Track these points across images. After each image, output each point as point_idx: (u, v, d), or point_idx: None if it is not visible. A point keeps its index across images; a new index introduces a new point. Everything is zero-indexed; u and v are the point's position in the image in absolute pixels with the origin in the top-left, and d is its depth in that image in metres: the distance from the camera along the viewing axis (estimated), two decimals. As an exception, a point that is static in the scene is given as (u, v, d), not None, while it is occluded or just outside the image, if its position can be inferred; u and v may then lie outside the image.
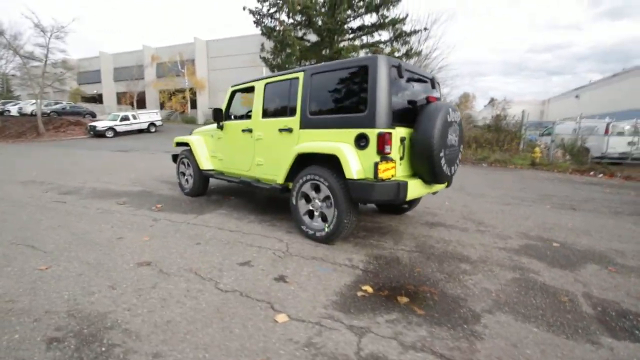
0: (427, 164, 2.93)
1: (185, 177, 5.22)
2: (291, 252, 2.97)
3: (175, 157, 5.48)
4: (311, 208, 3.29)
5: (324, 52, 15.98)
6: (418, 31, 15.65)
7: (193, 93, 32.03)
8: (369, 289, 2.35)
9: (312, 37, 16.88)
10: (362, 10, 15.71)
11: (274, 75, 3.74)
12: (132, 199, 4.91)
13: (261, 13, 16.42)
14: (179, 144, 5.41)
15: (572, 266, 2.86)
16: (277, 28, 16.38)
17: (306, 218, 3.32)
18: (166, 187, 5.89)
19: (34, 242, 3.05)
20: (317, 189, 3.20)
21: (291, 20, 15.68)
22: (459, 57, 60.24)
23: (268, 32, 16.17)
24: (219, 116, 4.33)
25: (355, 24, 16.20)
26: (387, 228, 3.76)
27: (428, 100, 3.17)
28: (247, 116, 4.56)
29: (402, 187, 2.78)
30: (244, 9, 16.07)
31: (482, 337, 1.85)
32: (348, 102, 3.00)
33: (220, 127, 4.42)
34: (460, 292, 2.35)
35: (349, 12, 15.47)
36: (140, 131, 21.97)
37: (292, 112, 3.46)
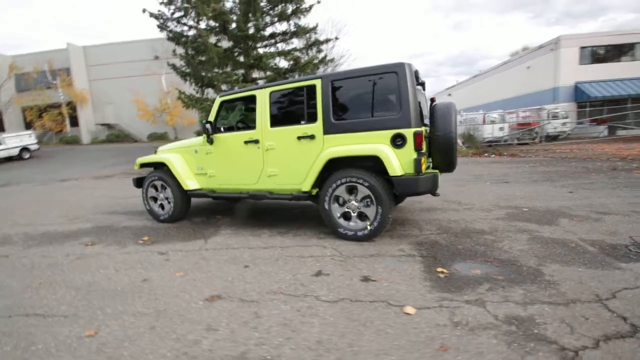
0: (447, 156, 3.36)
1: (159, 202, 4.57)
2: (346, 254, 3.01)
3: (139, 181, 4.73)
4: (346, 210, 3.38)
5: (242, 59, 15.60)
6: (330, 40, 16.68)
7: (72, 108, 26.93)
8: (444, 270, 2.61)
9: (224, 43, 16.29)
10: (276, 18, 15.92)
11: (280, 84, 3.66)
12: (98, 237, 4.06)
13: (164, 17, 15.03)
14: (144, 166, 4.70)
15: (553, 222, 3.70)
16: (185, 33, 15.27)
17: (342, 221, 3.39)
18: (124, 218, 5.02)
19: (36, 309, 2.32)
20: (351, 190, 3.31)
21: (203, 25, 14.80)
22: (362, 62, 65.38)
23: (177, 38, 14.90)
24: (210, 129, 3.97)
25: (270, 30, 16.28)
26: (399, 219, 4.10)
27: (432, 101, 3.63)
28: (240, 127, 4.32)
29: (436, 178, 3.14)
30: (143, 11, 14.46)
31: (558, 283, 2.31)
32: (378, 105, 3.21)
33: (210, 141, 4.05)
34: (508, 256, 2.82)
35: (264, 19, 15.46)
36: (8, 159, 17.43)
37: (311, 119, 3.47)
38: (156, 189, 4.57)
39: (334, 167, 3.37)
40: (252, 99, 3.87)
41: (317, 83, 3.42)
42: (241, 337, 1.85)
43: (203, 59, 14.66)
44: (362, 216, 3.33)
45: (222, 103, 4.07)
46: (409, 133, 3.04)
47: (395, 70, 3.10)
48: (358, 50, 48.30)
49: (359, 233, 3.28)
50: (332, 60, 17.31)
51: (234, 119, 4.37)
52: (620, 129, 18.30)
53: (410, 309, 2.06)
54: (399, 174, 3.05)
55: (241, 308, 2.17)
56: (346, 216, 3.40)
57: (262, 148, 3.73)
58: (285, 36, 16.56)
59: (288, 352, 1.71)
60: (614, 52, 21.06)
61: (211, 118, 4.07)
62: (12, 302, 2.44)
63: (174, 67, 15.61)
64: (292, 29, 16.30)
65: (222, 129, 4.21)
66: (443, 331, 1.83)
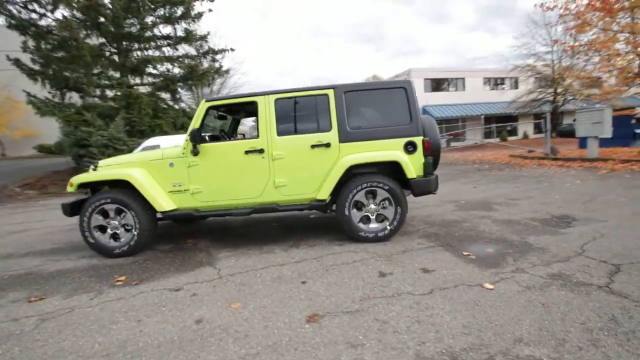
0: (436, 159, 3.97)
1: (111, 232, 3.56)
2: (383, 254, 3.18)
3: (75, 207, 3.56)
4: (365, 214, 3.54)
5: (122, 62, 13.28)
6: (225, 50, 16.12)
7: None
8: (469, 254, 3.13)
9: (94, 40, 13.53)
10: (161, 20, 14.32)
11: (286, 91, 3.53)
12: (55, 286, 2.87)
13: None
14: (84, 186, 3.58)
15: (492, 209, 4.82)
16: (35, 22, 11.93)
17: (361, 224, 3.52)
18: (61, 257, 3.65)
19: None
20: (370, 194, 3.50)
21: (65, 14, 11.85)
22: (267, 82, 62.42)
23: (23, 27, 11.46)
24: (197, 138, 3.43)
25: (155, 32, 14.47)
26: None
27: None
28: (224, 135, 3.87)
29: (437, 178, 3.69)
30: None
31: (547, 249, 3.13)
32: (390, 116, 3.53)
33: (195, 152, 3.48)
34: (496, 236, 3.58)
35: (146, 18, 13.64)
36: None
37: (324, 127, 3.50)
38: (106, 216, 3.55)
39: (345, 174, 3.49)
40: (250, 106, 3.57)
41: (330, 93, 3.50)
42: (393, 343, 1.81)
43: (64, 55, 11.73)
44: (379, 218, 3.56)
45: (209, 109, 3.59)
46: (419, 140, 3.49)
47: (404, 87, 3.53)
48: (243, 65, 47.95)
49: (380, 234, 3.50)
50: (227, 71, 16.72)
51: (224, 126, 3.88)
52: (453, 141, 24.44)
53: (488, 285, 2.44)
54: (415, 176, 3.45)
55: (357, 319, 2.07)
56: (364, 220, 3.56)
57: (269, 158, 3.49)
58: (172, 40, 15.09)
59: (453, 341, 1.80)
60: (445, 84, 28.14)
61: (195, 125, 3.52)
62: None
63: (17, 62, 11.91)
64: (182, 33, 15.02)
65: (206, 137, 3.69)
66: (529, 295, 2.28)
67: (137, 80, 15.26)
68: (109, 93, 14.20)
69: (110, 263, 3.43)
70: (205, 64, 15.57)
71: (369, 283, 2.58)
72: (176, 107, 15.05)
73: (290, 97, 3.54)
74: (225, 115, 4.37)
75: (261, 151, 3.48)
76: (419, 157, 3.50)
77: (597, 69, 12.12)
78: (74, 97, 13.81)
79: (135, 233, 3.52)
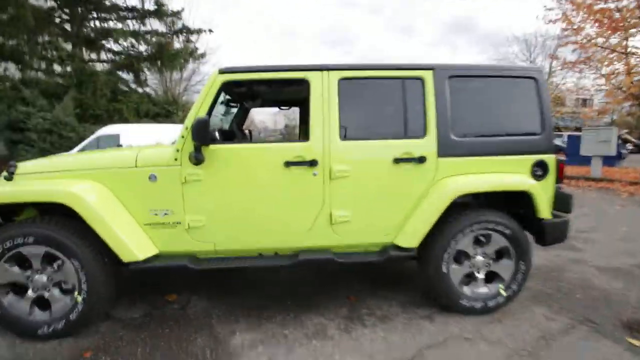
0: None
1: (33, 295, 1.97)
2: (516, 345, 1.93)
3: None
4: (468, 270, 2.27)
5: (75, 31, 10.96)
6: (203, 31, 14.14)
7: None
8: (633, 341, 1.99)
9: (42, 2, 11.07)
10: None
11: (358, 67, 2.16)
12: None
13: None
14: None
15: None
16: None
17: (464, 287, 2.26)
18: None
19: None
20: (479, 241, 2.25)
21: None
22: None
23: None
24: (204, 134, 1.93)
25: (118, 1, 12.22)
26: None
27: None
28: (231, 133, 2.43)
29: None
30: None
31: None
32: (513, 120, 2.30)
33: (199, 159, 2.00)
34: None
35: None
36: None
37: (415, 131, 2.17)
38: (25, 265, 1.96)
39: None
40: (293, 87, 2.17)
41: (427, 76, 2.18)
42: None
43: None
44: (488, 277, 2.31)
45: (226, 86, 2.11)
46: (551, 160, 2.29)
47: (534, 76, 2.31)
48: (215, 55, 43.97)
49: (490, 303, 2.25)
50: (203, 55, 14.73)
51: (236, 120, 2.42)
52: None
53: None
54: (548, 216, 2.25)
55: None
56: (467, 279, 2.29)
57: (325, 175, 2.10)
58: (139, 13, 12.88)
59: None
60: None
61: (201, 110, 2.03)
62: None
63: None
64: (151, 7, 12.88)
65: (217, 136, 2.22)
66: None
67: (94, 56, 12.90)
68: (58, 68, 11.72)
69: (30, 354, 1.85)
70: (177, 44, 13.55)
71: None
72: (140, 90, 12.89)
73: (364, 78, 2.18)
74: (237, 100, 2.90)
75: (313, 164, 2.08)
76: (549, 184, 2.31)
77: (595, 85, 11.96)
78: (10, 69, 11.20)
79: (80, 298, 1.96)
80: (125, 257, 1.94)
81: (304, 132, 3.19)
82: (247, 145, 2.21)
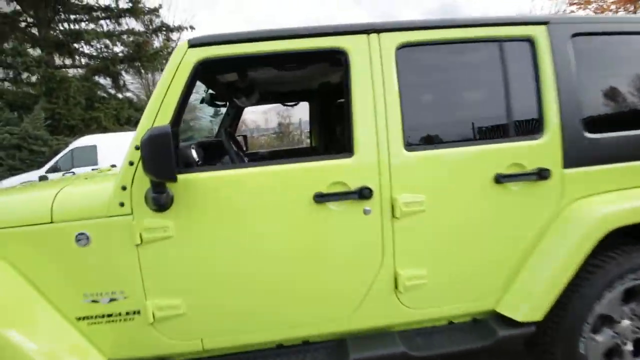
0: None
1: None
2: None
3: None
4: (613, 341, 1.42)
5: (42, 35, 9.91)
6: (184, 28, 13.10)
7: None
8: None
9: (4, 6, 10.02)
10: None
11: (427, 26, 1.28)
12: None
13: None
14: None
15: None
16: None
17: (608, 369, 1.41)
18: None
19: None
20: (627, 298, 1.40)
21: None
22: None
23: None
24: (168, 160, 1.04)
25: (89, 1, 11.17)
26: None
27: None
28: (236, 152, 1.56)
29: None
30: None
31: None
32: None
33: (165, 203, 1.10)
34: None
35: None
36: None
37: (522, 127, 1.32)
38: None
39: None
40: (317, 65, 1.30)
41: (539, 34, 1.30)
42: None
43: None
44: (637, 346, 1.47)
45: (203, 68, 1.21)
46: None
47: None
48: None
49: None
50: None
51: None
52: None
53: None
54: None
55: None
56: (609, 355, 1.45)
57: (384, 211, 1.22)
58: (112, 13, 11.80)
59: None
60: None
61: (160, 118, 1.14)
62: None
63: None
64: (126, 4, 11.82)
65: (194, 155, 1.33)
66: None
67: (69, 62, 11.82)
68: (25, 76, 10.64)
69: None
70: (157, 43, 12.52)
71: None
72: (119, 96, 11.86)
73: (438, 43, 1.29)
74: (222, 95, 1.98)
75: (363, 195, 1.19)
76: None
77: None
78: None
79: None
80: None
81: (317, 139, 2.30)
82: (250, 169, 1.27)
